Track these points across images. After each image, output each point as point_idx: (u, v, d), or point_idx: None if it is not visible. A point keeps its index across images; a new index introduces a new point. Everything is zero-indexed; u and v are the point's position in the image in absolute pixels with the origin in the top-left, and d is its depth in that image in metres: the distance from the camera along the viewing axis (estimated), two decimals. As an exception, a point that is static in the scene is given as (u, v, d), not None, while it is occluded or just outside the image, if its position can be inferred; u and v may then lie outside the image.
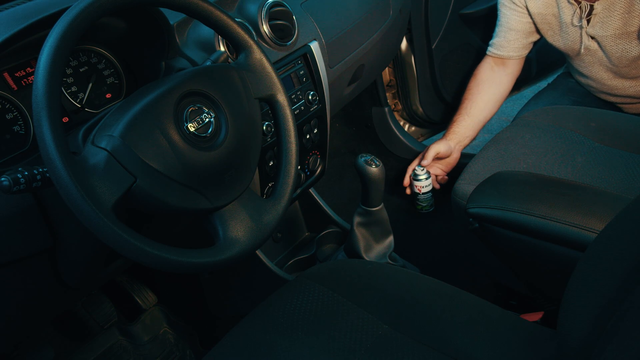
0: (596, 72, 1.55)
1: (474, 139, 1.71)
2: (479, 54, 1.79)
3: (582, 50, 1.50)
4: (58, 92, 0.66)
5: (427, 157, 1.63)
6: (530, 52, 1.66)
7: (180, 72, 0.81)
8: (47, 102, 0.64)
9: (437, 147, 1.63)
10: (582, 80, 1.65)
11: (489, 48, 1.66)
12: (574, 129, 1.32)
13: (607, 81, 1.55)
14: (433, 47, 1.92)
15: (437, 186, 1.73)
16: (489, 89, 1.66)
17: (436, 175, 1.72)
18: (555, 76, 1.86)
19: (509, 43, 1.61)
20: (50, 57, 0.65)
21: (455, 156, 1.68)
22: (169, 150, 0.72)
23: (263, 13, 1.10)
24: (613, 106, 1.64)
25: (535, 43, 1.65)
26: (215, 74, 0.82)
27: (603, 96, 1.63)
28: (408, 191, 1.72)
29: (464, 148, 1.72)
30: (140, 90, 0.77)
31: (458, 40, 1.98)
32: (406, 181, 1.71)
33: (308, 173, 1.34)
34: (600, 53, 1.48)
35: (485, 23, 1.91)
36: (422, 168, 1.76)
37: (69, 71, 0.91)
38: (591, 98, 1.67)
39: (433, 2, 1.84)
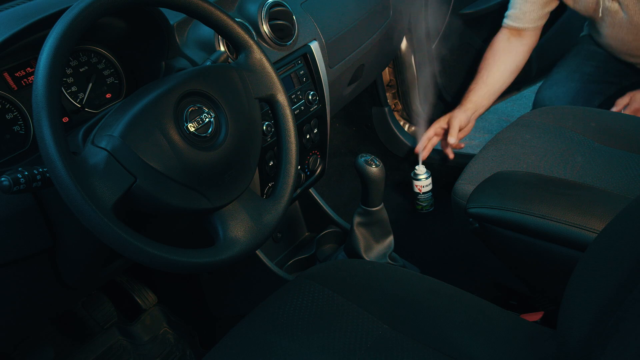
0: (617, 33, 1.53)
1: (489, 108, 1.70)
2: (479, 54, 1.79)
3: (602, 13, 1.48)
4: (58, 92, 0.66)
5: (453, 132, 1.61)
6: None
7: (180, 72, 0.81)
8: (47, 102, 0.64)
9: (459, 119, 1.62)
10: (602, 42, 1.64)
11: (505, 20, 1.66)
12: (574, 129, 1.32)
13: (628, 42, 1.54)
14: (433, 47, 1.92)
15: (452, 155, 1.71)
16: (506, 59, 1.66)
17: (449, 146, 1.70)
18: None
19: (525, 15, 1.60)
20: (50, 57, 0.65)
21: (470, 125, 1.68)
22: (169, 150, 0.72)
23: (263, 13, 1.10)
24: (634, 68, 1.63)
25: (551, 13, 1.64)
26: (215, 74, 0.82)
27: (624, 57, 1.62)
28: (423, 151, 1.69)
29: (467, 145, 1.70)
30: (140, 90, 0.77)
31: (458, 40, 1.98)
32: (420, 145, 1.69)
33: (308, 173, 1.34)
34: (621, 14, 1.47)
35: (486, 23, 1.91)
36: (422, 167, 1.76)
37: (69, 71, 0.91)
38: (612, 62, 1.66)
39: (433, 2, 1.84)
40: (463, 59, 2.03)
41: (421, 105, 2.04)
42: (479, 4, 1.95)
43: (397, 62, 1.97)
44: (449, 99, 2.05)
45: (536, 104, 1.67)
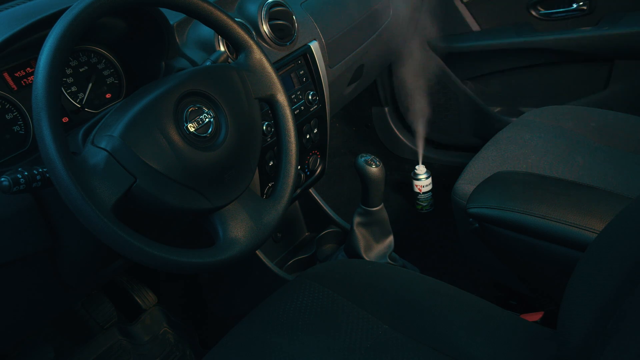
0: None
1: None
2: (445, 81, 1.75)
3: None
4: (58, 92, 0.66)
5: None
6: None
7: (180, 72, 0.81)
8: (47, 102, 0.64)
9: None
10: None
11: None
12: (574, 129, 1.32)
13: None
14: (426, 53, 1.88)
15: None
16: None
17: None
18: None
19: None
20: (50, 57, 0.65)
21: None
22: (169, 151, 0.72)
23: (263, 13, 1.10)
24: None
25: None
26: (215, 74, 0.82)
27: None
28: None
29: (467, 145, 1.66)
30: (140, 90, 0.77)
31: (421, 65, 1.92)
32: None
33: (308, 173, 1.34)
34: None
35: (456, 57, 1.86)
36: (422, 167, 1.76)
37: (69, 71, 0.91)
38: None
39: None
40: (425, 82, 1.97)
41: (412, 109, 2.02)
42: (460, 40, 1.85)
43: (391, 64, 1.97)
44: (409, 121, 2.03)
45: None
